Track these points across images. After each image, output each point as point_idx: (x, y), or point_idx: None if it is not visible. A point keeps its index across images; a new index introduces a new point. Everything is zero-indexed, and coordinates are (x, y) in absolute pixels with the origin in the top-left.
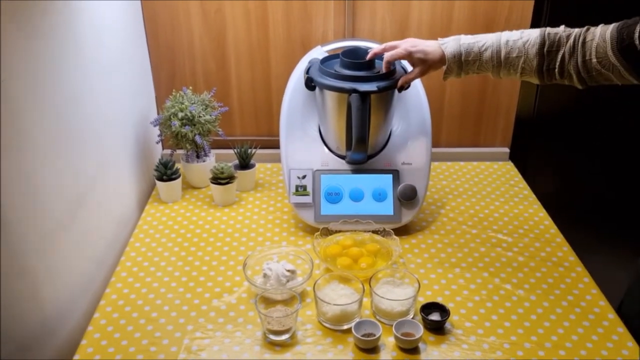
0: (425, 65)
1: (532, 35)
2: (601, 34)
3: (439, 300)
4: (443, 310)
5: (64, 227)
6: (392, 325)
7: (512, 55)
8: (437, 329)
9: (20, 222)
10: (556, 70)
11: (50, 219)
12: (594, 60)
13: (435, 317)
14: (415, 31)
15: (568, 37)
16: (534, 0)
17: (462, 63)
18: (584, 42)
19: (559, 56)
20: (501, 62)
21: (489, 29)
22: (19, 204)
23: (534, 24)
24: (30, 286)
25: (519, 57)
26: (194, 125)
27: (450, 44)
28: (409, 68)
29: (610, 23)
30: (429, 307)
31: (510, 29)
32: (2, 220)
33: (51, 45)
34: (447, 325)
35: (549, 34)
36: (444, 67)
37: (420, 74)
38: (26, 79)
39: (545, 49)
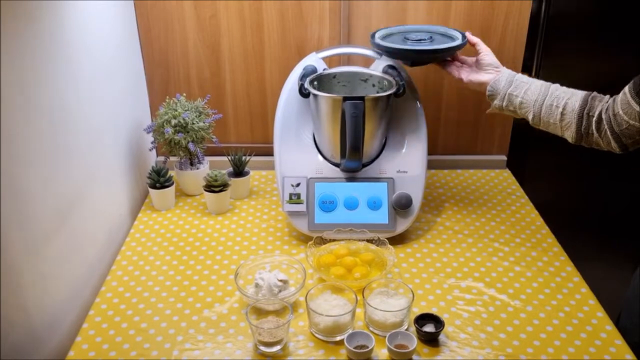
0: (475, 65)
1: (580, 91)
2: (624, 88)
3: (434, 311)
4: (437, 322)
5: (53, 235)
6: (385, 337)
7: (559, 90)
8: (432, 341)
9: (7, 231)
10: (594, 119)
11: (38, 228)
12: (620, 111)
13: (429, 328)
14: None
15: (609, 98)
16: (531, 7)
17: (513, 82)
18: (614, 99)
19: (600, 106)
20: (547, 92)
21: (485, 35)
22: (6, 212)
23: (531, 31)
24: (17, 295)
25: (565, 93)
26: (187, 132)
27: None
28: (405, 75)
29: (608, 29)
30: (423, 318)
31: (507, 36)
32: None
33: (41, 51)
34: (442, 336)
35: (595, 93)
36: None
37: (468, 69)
38: (15, 84)
39: (590, 96)
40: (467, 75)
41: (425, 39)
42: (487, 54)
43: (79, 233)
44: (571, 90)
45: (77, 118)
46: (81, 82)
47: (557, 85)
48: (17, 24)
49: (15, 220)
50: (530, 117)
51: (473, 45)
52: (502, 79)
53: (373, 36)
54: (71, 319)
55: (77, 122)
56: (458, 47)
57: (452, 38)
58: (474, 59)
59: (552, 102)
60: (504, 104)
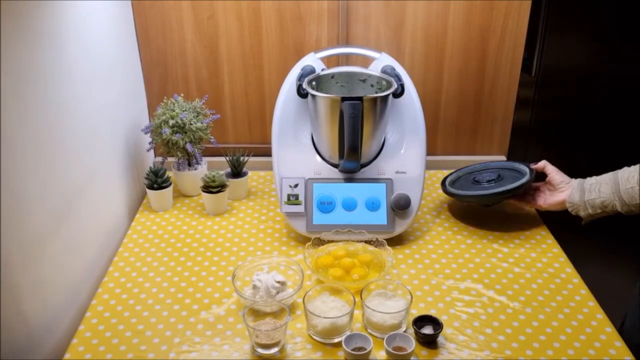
0: (548, 188)
1: None
2: None
3: (432, 312)
4: (436, 323)
5: (49, 237)
6: (383, 339)
7: (626, 171)
8: (430, 343)
9: (4, 232)
10: None
11: (34, 230)
12: None
13: (427, 330)
14: (410, 38)
15: None
16: (530, 8)
17: (584, 189)
18: None
19: None
20: (617, 179)
21: (484, 35)
22: (3, 213)
23: (531, 32)
24: (13, 298)
25: (633, 170)
26: (185, 132)
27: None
28: (404, 75)
29: (606, 27)
30: (421, 320)
31: (507, 37)
32: None
33: (39, 50)
34: (440, 338)
35: None
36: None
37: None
38: (12, 84)
39: None
40: (544, 200)
41: (494, 179)
42: (555, 173)
43: (76, 234)
44: (637, 165)
45: (74, 118)
46: (79, 82)
47: (625, 168)
48: (16, 23)
49: (12, 222)
50: (619, 209)
51: (541, 170)
52: (574, 191)
53: (444, 184)
54: (68, 320)
55: (75, 122)
56: (528, 182)
57: (518, 171)
58: (543, 183)
59: (627, 184)
60: (590, 211)
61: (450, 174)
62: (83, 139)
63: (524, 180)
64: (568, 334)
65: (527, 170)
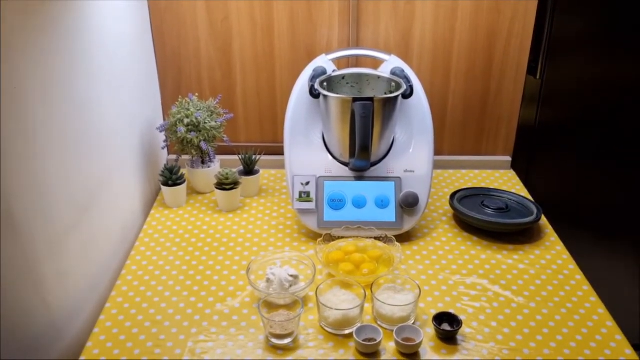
0: None
1: None
2: None
3: (440, 306)
4: (454, 319)
5: (72, 230)
6: (393, 331)
7: None
8: (449, 339)
9: (30, 226)
10: None
11: (58, 223)
12: None
13: (446, 326)
14: (418, 40)
15: None
16: (536, 13)
17: None
18: None
19: None
20: None
21: (491, 38)
22: (29, 208)
23: (536, 36)
24: (38, 288)
25: None
26: (200, 131)
27: None
28: (413, 76)
29: (610, 32)
30: (440, 317)
31: (513, 40)
32: (12, 223)
33: (60, 52)
34: None
35: None
36: None
37: None
38: (37, 86)
39: None
40: None
41: (503, 208)
42: None
43: (95, 229)
44: None
45: (95, 116)
46: (99, 82)
47: None
48: (38, 28)
49: (37, 216)
50: None
51: None
52: None
53: (452, 198)
54: (89, 311)
55: (95, 120)
56: (536, 221)
57: (527, 208)
58: None
59: None
60: None
61: (460, 190)
62: (103, 136)
63: (531, 218)
64: (570, 327)
65: (534, 209)
